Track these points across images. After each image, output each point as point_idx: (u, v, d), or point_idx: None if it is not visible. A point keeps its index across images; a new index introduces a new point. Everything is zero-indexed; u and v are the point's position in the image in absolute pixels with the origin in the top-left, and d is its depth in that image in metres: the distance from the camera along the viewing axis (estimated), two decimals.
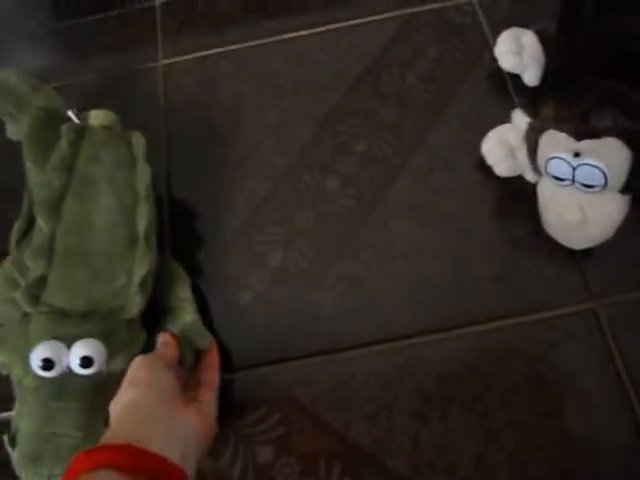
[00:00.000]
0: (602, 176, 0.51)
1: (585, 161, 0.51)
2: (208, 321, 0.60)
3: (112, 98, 0.73)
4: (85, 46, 0.80)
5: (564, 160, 0.52)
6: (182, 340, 0.57)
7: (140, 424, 0.42)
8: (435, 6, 0.77)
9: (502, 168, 0.62)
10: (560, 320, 0.57)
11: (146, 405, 0.44)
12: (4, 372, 0.54)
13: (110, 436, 0.42)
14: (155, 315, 0.57)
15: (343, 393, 0.56)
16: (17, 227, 0.60)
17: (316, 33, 0.75)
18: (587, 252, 0.58)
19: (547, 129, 0.54)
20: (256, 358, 0.59)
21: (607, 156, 0.51)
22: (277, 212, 0.65)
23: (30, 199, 0.60)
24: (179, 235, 0.65)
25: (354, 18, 0.76)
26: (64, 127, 0.58)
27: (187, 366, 0.56)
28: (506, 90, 0.69)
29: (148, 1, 0.82)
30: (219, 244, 0.64)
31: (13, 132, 0.66)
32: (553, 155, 0.53)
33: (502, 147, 0.61)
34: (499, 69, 0.69)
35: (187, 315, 0.58)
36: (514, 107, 0.62)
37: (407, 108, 0.69)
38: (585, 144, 0.51)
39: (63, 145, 0.57)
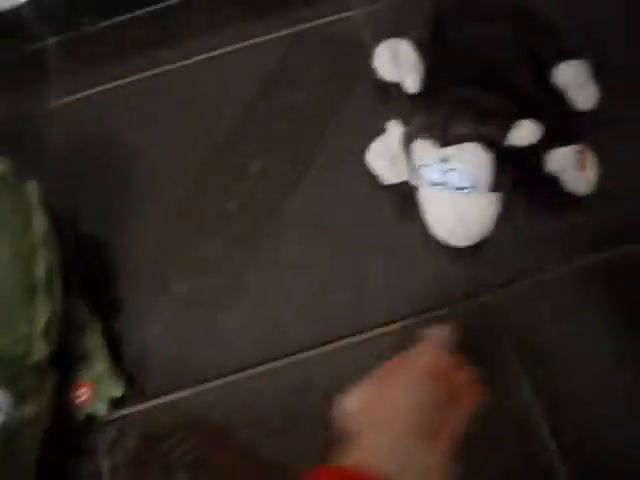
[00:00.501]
0: (469, 178, 0.55)
1: (452, 166, 0.55)
2: (120, 357, 0.61)
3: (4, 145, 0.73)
4: None
5: (434, 166, 0.56)
6: (96, 389, 0.58)
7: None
8: (319, 22, 0.79)
9: (387, 176, 0.65)
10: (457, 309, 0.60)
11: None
12: None
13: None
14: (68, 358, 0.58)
15: (254, 410, 0.58)
16: None
17: (203, 60, 0.77)
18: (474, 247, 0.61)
19: (416, 138, 0.57)
20: (170, 386, 0.60)
21: (470, 160, 0.54)
22: (179, 241, 0.67)
23: None
24: (87, 273, 0.66)
25: (241, 41, 0.78)
26: None
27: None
28: (388, 100, 0.72)
29: (39, 42, 0.82)
30: (126, 278, 0.66)
31: None
32: (424, 162, 0.57)
33: (385, 156, 0.64)
34: (382, 80, 0.72)
35: (98, 364, 0.60)
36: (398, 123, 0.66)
37: (298, 125, 0.72)
38: (449, 150, 0.54)
39: None
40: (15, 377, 0.53)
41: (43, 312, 0.55)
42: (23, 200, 0.60)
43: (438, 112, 0.55)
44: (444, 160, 0.55)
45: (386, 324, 0.60)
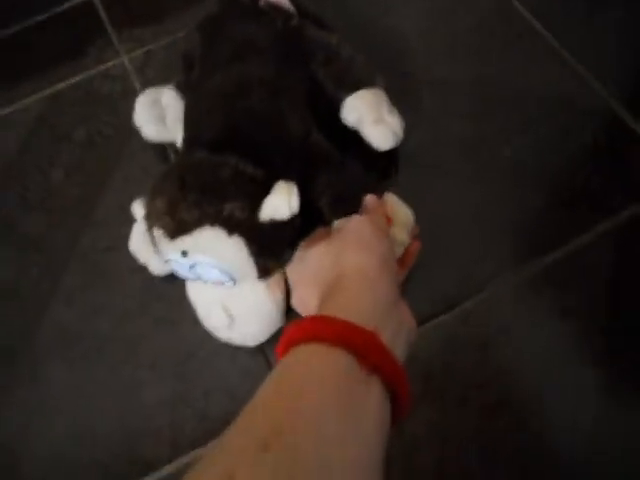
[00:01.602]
0: (219, 271, 0.42)
1: (194, 259, 0.41)
2: None
3: None
4: None
5: (178, 262, 0.43)
6: None
7: (374, 305, 0.33)
8: (80, 77, 0.65)
9: (155, 267, 0.51)
10: None
11: (375, 279, 0.35)
12: None
13: (340, 304, 0.33)
14: None
15: None
16: None
17: None
18: None
19: (153, 226, 0.43)
20: None
21: (212, 248, 0.41)
22: None
23: None
24: None
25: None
26: None
27: None
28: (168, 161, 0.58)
29: None
30: None
31: None
32: (167, 257, 0.43)
33: (144, 242, 0.50)
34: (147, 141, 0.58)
35: None
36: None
37: (54, 214, 0.58)
38: (183, 241, 0.41)
39: None
40: None
41: None
42: None
43: (165, 192, 0.41)
44: (184, 253, 0.41)
45: None
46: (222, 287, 0.44)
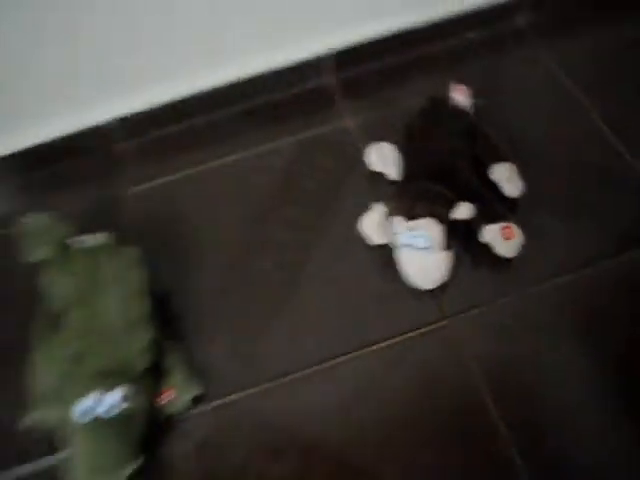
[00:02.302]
0: (428, 242, 0.84)
1: (415, 233, 0.84)
2: (193, 370, 0.87)
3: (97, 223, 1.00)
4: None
5: (404, 234, 0.85)
6: (177, 392, 0.84)
7: None
8: (320, 131, 1.10)
9: (373, 239, 0.94)
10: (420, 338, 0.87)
11: None
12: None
13: None
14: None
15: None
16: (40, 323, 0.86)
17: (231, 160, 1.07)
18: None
19: (393, 215, 0.86)
20: (233, 389, 0.86)
21: (427, 229, 0.83)
22: (231, 287, 0.94)
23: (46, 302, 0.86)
24: (165, 312, 0.92)
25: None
26: (84, 246, 0.86)
27: None
28: (376, 187, 1.02)
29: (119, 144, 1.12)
30: (193, 314, 0.92)
31: (29, 254, 0.91)
32: (397, 231, 0.85)
33: (372, 225, 0.93)
34: (371, 172, 1.02)
35: (178, 374, 0.85)
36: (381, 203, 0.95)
37: (308, 207, 1.01)
38: (413, 223, 0.84)
39: (83, 261, 0.85)
40: (132, 380, 0.78)
41: (145, 334, 0.82)
42: (127, 260, 0.88)
43: (405, 198, 0.85)
44: (411, 229, 0.84)
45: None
46: (421, 252, 0.85)
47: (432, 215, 0.83)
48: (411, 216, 0.84)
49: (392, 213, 0.86)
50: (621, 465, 0.76)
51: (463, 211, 0.84)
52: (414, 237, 0.84)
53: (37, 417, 0.81)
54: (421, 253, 0.85)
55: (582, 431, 0.78)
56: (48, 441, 0.81)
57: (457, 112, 0.98)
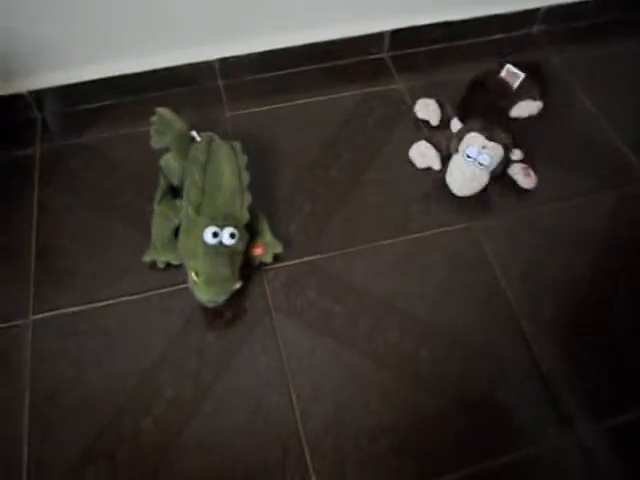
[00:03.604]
0: (490, 161, 1.14)
1: (486, 152, 1.14)
2: (278, 235, 1.14)
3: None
4: None
5: (475, 148, 1.15)
6: (266, 248, 1.10)
7: None
8: (379, 89, 1.41)
9: (419, 163, 1.24)
10: (447, 234, 1.16)
11: None
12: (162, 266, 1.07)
13: None
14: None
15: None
16: (160, 192, 1.13)
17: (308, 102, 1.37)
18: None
19: (470, 132, 1.16)
20: (308, 252, 1.13)
21: (494, 151, 1.14)
22: (302, 185, 1.23)
23: (164, 176, 1.15)
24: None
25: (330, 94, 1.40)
26: (204, 136, 1.14)
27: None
28: (420, 130, 1.32)
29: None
30: (277, 199, 1.20)
31: (156, 142, 1.20)
32: (470, 144, 1.16)
33: (419, 152, 1.23)
34: (416, 118, 1.33)
35: (266, 235, 1.12)
36: (424, 138, 1.25)
37: (367, 142, 1.31)
38: (490, 143, 1.14)
39: (203, 144, 1.13)
40: (237, 226, 1.05)
41: (247, 198, 1.09)
42: (233, 147, 1.16)
43: (486, 124, 1.16)
44: (483, 147, 1.14)
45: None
46: (477, 166, 1.15)
47: (503, 143, 1.14)
48: (490, 138, 1.15)
49: (471, 130, 1.17)
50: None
51: (517, 154, 1.19)
52: (481, 154, 1.14)
53: (153, 256, 1.08)
54: (476, 167, 1.15)
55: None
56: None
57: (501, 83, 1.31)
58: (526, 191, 1.22)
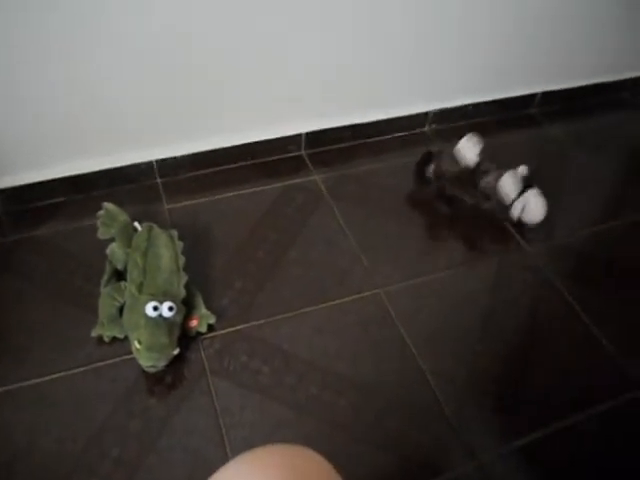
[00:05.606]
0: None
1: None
2: (210, 308, 1.30)
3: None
4: None
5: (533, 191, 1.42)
6: (200, 319, 1.26)
7: None
8: (297, 181, 1.64)
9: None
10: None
11: None
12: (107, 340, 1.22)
13: None
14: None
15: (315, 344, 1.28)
16: (106, 276, 1.30)
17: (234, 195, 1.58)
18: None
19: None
20: (237, 322, 1.29)
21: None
22: (233, 262, 1.41)
23: (110, 262, 1.31)
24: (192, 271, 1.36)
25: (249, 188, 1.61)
26: (145, 225, 1.32)
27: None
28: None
29: (153, 181, 1.61)
30: (212, 275, 1.37)
31: (103, 233, 1.36)
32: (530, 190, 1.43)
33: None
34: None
35: (201, 309, 1.29)
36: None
37: (290, 220, 1.52)
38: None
39: (144, 232, 1.30)
40: (176, 302, 1.22)
41: (183, 277, 1.26)
42: (170, 235, 1.34)
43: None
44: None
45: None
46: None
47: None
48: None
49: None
50: None
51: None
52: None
53: (100, 332, 1.23)
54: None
55: None
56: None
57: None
58: (423, 261, 1.45)
